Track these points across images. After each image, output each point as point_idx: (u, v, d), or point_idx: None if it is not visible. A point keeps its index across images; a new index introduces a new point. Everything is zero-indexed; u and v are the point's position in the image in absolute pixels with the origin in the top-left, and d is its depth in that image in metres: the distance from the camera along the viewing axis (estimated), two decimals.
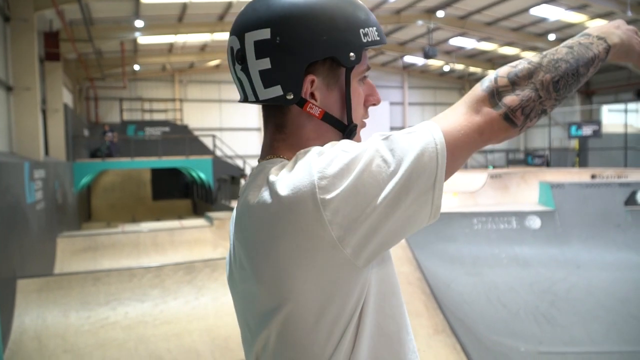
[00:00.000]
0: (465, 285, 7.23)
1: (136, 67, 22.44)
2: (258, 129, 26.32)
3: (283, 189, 0.82)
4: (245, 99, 0.97)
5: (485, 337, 5.62)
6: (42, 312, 6.37)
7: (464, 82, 30.94)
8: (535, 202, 10.72)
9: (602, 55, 0.94)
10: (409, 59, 26.73)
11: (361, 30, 0.92)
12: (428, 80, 30.56)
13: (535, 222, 9.30)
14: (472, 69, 27.92)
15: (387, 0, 17.98)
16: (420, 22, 19.90)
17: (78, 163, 16.30)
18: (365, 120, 1.02)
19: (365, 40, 0.92)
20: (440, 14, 19.32)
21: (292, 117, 0.94)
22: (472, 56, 25.80)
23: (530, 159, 29.71)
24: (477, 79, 30.52)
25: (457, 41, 22.90)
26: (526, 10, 18.20)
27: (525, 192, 14.83)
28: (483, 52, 24.88)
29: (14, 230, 7.00)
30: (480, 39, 22.38)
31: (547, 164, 27.05)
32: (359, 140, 0.99)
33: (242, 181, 16.86)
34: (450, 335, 4.15)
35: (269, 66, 0.90)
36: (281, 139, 0.96)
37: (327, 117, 0.93)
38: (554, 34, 20.61)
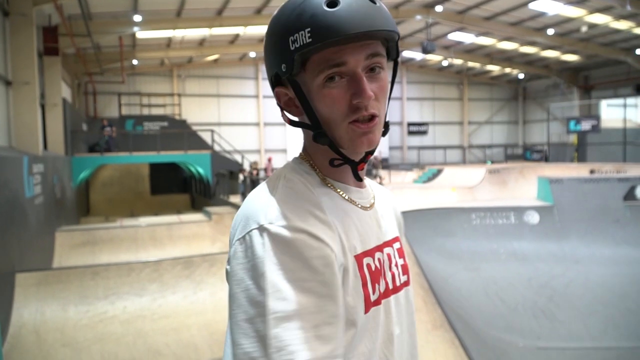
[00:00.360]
0: (464, 280, 7.24)
1: (134, 62, 22.38)
2: (256, 124, 26.29)
3: (244, 205, 0.94)
4: None
5: (483, 332, 5.64)
6: (40, 306, 6.37)
7: (463, 77, 30.91)
8: (534, 197, 10.72)
9: None
10: (407, 53, 26.68)
11: (290, 37, 0.90)
12: (426, 75, 30.52)
13: (533, 217, 9.32)
14: (470, 64, 27.88)
15: None
16: (418, 17, 19.87)
17: (77, 157, 16.28)
18: (355, 117, 0.94)
19: (292, 48, 0.90)
20: (438, 8, 19.29)
21: None
22: (471, 51, 25.76)
23: (528, 154, 29.75)
24: (476, 73, 30.55)
25: (455, 36, 22.86)
26: (525, 4, 18.16)
27: (523, 187, 14.86)
28: (482, 47, 24.84)
29: (12, 225, 6.99)
30: (478, 34, 22.34)
31: (546, 159, 27.09)
32: (353, 143, 0.94)
33: (241, 176, 16.85)
34: (449, 330, 4.15)
35: None
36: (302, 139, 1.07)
37: (293, 124, 1.01)
38: (552, 28, 20.59)
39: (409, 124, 30.50)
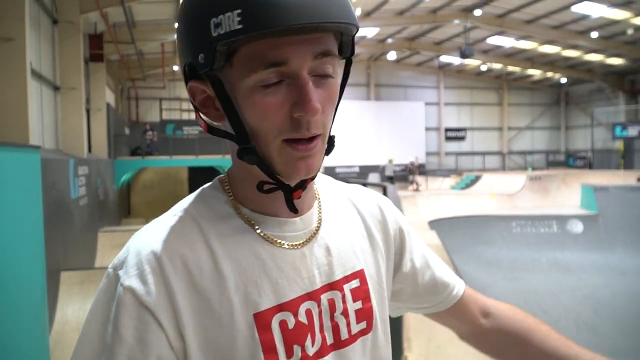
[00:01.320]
0: (503, 289, 7.09)
1: (175, 68, 22.87)
2: None
3: None
4: None
5: None
6: (83, 304, 6.56)
7: (502, 81, 30.36)
8: (577, 206, 10.44)
9: None
10: (444, 58, 26.39)
11: (213, 20, 0.65)
12: (464, 80, 30.12)
13: (577, 227, 9.05)
14: (510, 68, 27.38)
15: None
16: (456, 21, 19.64)
17: (119, 160, 16.71)
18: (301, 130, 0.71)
19: (215, 34, 0.65)
20: (477, 12, 19.03)
21: None
22: (511, 55, 25.30)
23: (571, 160, 28.97)
24: (516, 78, 29.97)
25: (495, 40, 22.51)
26: (567, 7, 17.74)
27: (566, 195, 14.47)
28: (522, 51, 24.37)
29: (58, 225, 7.23)
30: (519, 38, 21.93)
31: (590, 165, 26.32)
32: (285, 170, 0.73)
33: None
34: None
35: None
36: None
37: (211, 131, 0.78)
38: (596, 31, 20.04)
39: (447, 130, 30.15)
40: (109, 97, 16.69)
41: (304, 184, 0.76)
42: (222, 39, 0.65)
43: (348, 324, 0.81)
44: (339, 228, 0.85)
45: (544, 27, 20.05)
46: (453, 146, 30.23)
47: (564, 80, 29.21)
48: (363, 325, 0.83)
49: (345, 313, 0.81)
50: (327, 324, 0.79)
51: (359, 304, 0.83)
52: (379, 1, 17.95)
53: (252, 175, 0.76)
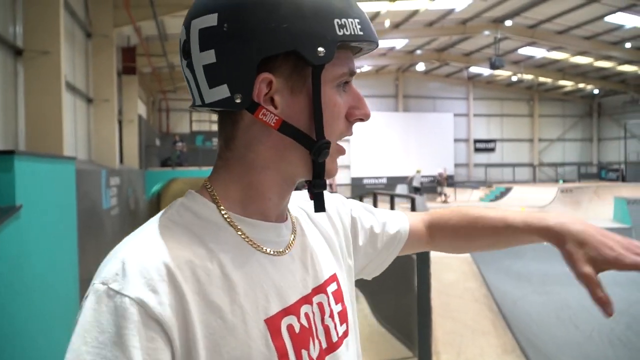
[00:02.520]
0: (534, 303, 6.94)
1: None
2: None
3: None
4: (194, 103, 0.78)
5: (556, 359, 5.38)
6: None
7: (533, 92, 29.95)
8: (610, 219, 10.19)
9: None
10: (474, 69, 26.19)
11: (336, 20, 0.70)
12: (494, 91, 29.81)
13: None
14: (541, 79, 27.00)
15: (453, 10, 17.75)
16: (487, 32, 19.50)
17: (150, 171, 17.02)
18: (347, 137, 0.80)
19: (340, 33, 0.70)
20: (508, 23, 18.87)
21: (244, 127, 0.75)
22: (542, 66, 24.95)
23: (604, 173, 28.32)
24: (547, 89, 29.53)
25: (526, 51, 22.25)
26: (600, 18, 17.45)
27: (598, 207, 14.13)
28: (554, 62, 24.01)
29: (90, 234, 7.38)
30: (550, 49, 21.63)
31: (623, 178, 25.68)
32: (332, 168, 0.78)
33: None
34: (520, 356, 3.98)
35: (214, 60, 0.71)
36: (226, 158, 0.78)
37: (286, 128, 0.72)
38: (630, 42, 19.64)
39: (476, 141, 29.83)
40: (141, 108, 17.05)
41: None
42: (346, 39, 0.71)
43: (335, 327, 0.81)
44: (309, 232, 0.87)
45: (577, 38, 19.75)
46: (482, 157, 29.88)
47: (596, 91, 28.66)
48: (344, 327, 0.84)
49: (332, 316, 0.81)
50: (319, 327, 0.79)
51: (339, 307, 0.84)
52: (408, 13, 17.95)
53: (253, 181, 0.76)
